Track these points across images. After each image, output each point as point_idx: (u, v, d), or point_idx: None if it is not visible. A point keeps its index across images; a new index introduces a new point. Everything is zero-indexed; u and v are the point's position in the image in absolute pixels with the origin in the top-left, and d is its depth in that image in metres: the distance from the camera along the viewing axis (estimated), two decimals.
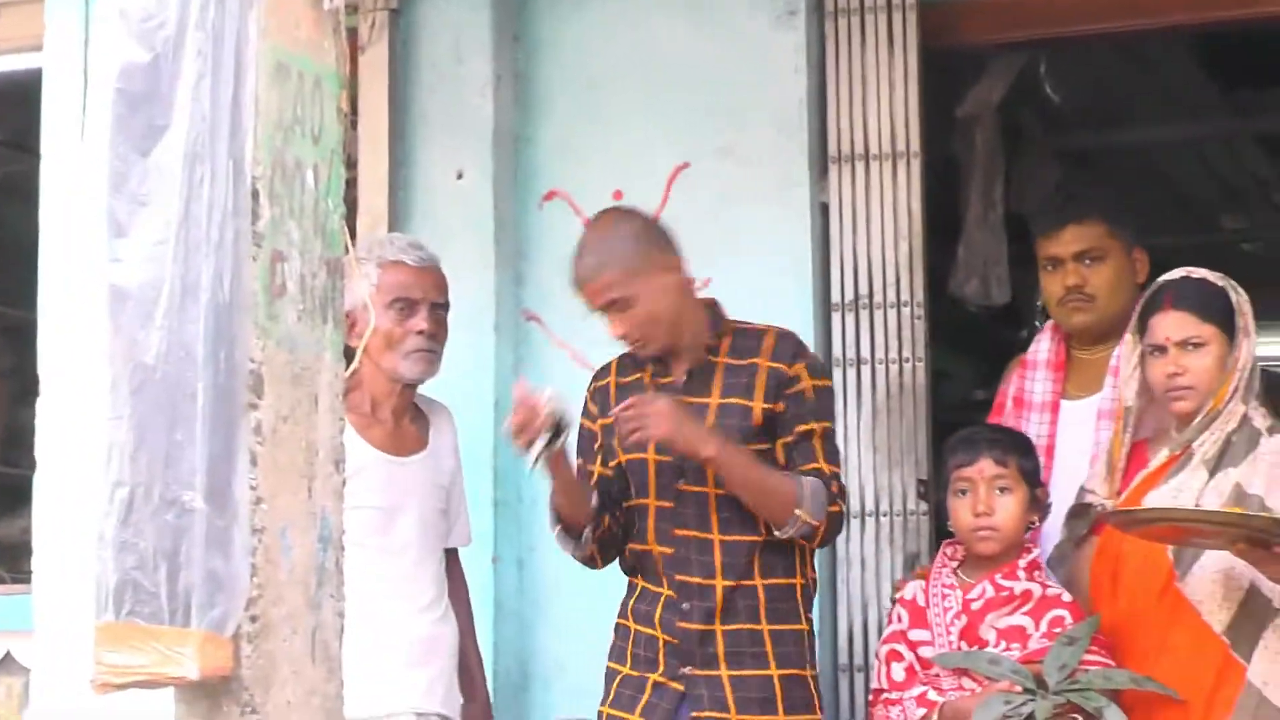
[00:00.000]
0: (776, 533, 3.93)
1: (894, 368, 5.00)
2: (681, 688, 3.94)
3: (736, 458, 3.90)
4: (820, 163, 5.18)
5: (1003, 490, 4.01)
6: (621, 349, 4.10)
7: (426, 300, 4.17)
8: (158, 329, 2.37)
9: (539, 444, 3.84)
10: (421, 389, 4.30)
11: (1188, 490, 3.88)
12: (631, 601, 4.05)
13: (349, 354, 3.24)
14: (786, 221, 5.15)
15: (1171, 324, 3.92)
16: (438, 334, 4.19)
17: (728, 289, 5.19)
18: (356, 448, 3.90)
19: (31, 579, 5.37)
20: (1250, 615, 3.81)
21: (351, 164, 5.11)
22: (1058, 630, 3.91)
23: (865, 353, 5.08)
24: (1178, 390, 3.91)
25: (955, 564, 4.07)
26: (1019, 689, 3.79)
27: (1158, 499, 3.89)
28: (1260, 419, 3.94)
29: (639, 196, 5.27)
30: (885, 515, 4.92)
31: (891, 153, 5.09)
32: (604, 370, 4.18)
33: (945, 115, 5.98)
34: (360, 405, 4.11)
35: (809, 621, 4.05)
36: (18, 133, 6.46)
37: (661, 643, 3.97)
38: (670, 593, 3.98)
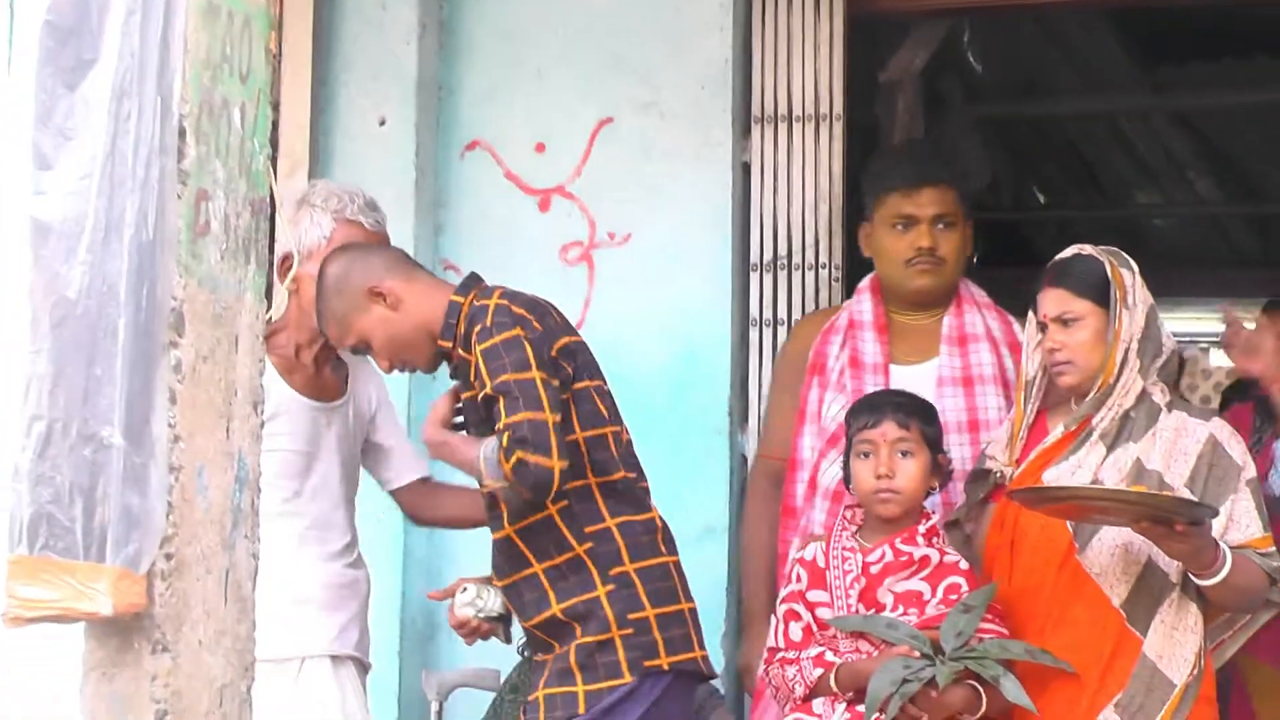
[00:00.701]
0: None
1: None
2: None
3: (438, 443, 3.87)
4: (743, 122, 5.22)
5: (905, 454, 4.04)
6: None
7: None
8: (80, 264, 2.37)
9: (498, 635, 3.99)
10: None
11: (1087, 465, 3.94)
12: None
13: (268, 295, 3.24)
14: (708, 180, 5.18)
15: (1049, 301, 3.98)
16: None
17: (648, 247, 5.24)
18: (277, 390, 3.89)
19: None
20: (1147, 589, 3.87)
21: (274, 106, 5.08)
22: (954, 597, 3.95)
23: (783, 313, 5.13)
24: (1058, 365, 3.97)
25: (855, 527, 4.11)
26: (917, 654, 3.83)
27: (1057, 473, 3.94)
28: (1160, 395, 3.99)
29: (561, 150, 5.30)
30: None
31: (815, 115, 5.13)
32: None
33: (869, 79, 6.02)
34: (284, 348, 4.09)
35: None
36: None
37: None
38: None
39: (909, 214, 4.49)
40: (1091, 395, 3.96)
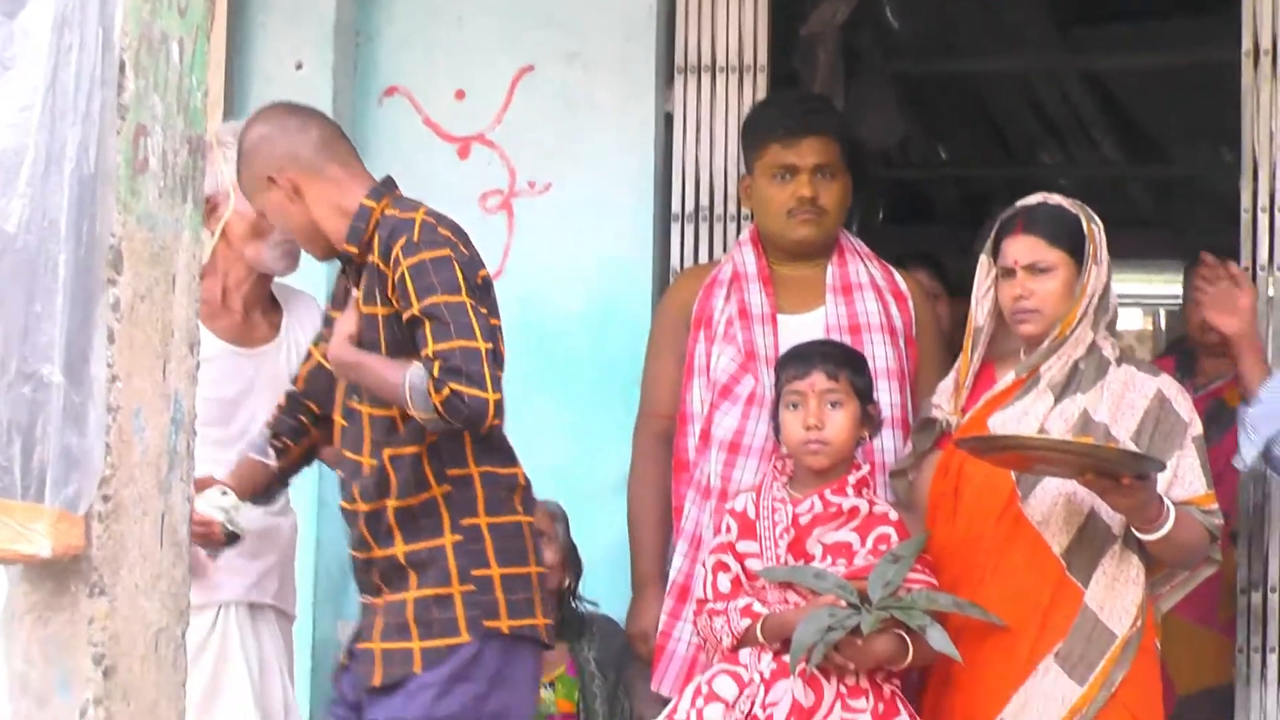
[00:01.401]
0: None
1: None
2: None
3: (352, 363, 3.69)
4: (666, 72, 5.20)
5: (834, 405, 4.03)
6: None
7: None
8: (19, 197, 2.31)
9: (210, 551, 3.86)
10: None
11: (1033, 414, 3.95)
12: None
13: None
14: (630, 130, 5.16)
15: (1021, 248, 3.97)
16: None
17: (568, 196, 5.21)
18: (201, 337, 3.83)
19: None
20: (1089, 540, 3.89)
21: None
22: (883, 548, 3.95)
23: (704, 253, 5.12)
24: (1023, 313, 3.96)
25: (785, 478, 4.10)
26: (844, 604, 3.83)
27: (1003, 420, 3.95)
28: (1110, 349, 4.00)
29: (481, 98, 5.26)
30: None
31: (739, 66, 5.11)
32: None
33: (791, 31, 6.01)
34: (210, 293, 3.99)
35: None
36: None
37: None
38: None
39: (790, 163, 4.46)
40: (1045, 344, 3.97)
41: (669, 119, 5.17)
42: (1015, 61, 8.40)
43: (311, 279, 4.42)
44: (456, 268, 3.59)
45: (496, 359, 3.58)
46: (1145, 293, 11.57)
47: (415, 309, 3.56)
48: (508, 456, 3.78)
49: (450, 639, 3.63)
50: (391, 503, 3.68)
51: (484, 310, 3.61)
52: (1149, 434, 3.90)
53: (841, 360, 4.09)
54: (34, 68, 2.35)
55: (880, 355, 4.37)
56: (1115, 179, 10.55)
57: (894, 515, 4.03)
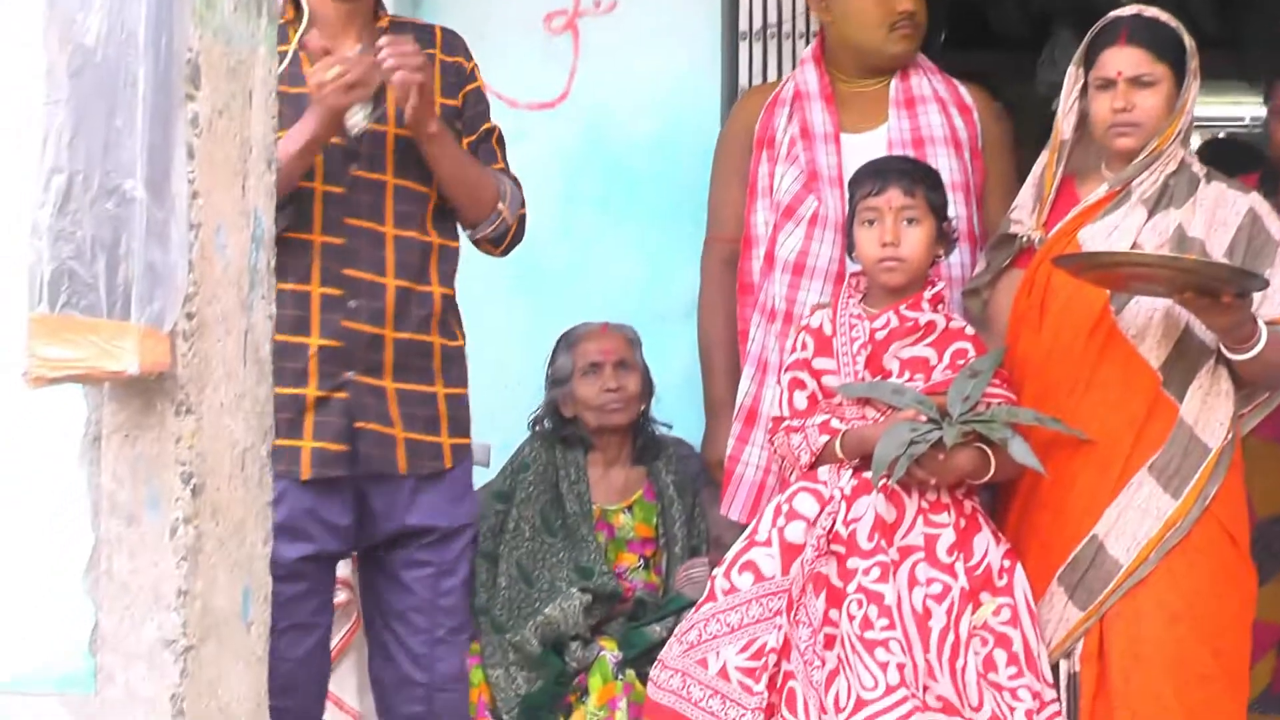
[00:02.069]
0: (469, 232, 3.83)
1: None
2: (346, 395, 3.74)
3: (438, 134, 3.70)
4: None
5: (910, 221, 3.98)
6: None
7: None
8: (97, 10, 2.26)
9: (366, 109, 3.65)
10: None
11: (1124, 228, 3.89)
12: None
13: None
14: None
15: (1125, 59, 3.88)
16: None
17: (634, 15, 5.14)
18: None
19: None
20: (1184, 354, 3.84)
21: None
22: (960, 363, 3.92)
23: (772, 73, 5.05)
24: (1124, 126, 3.89)
25: (860, 295, 4.06)
26: (923, 418, 3.81)
27: (1093, 234, 3.89)
28: (1197, 166, 3.94)
29: None
30: None
31: None
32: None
33: None
34: None
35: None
36: None
37: (315, 349, 3.73)
38: (332, 290, 3.75)
39: None
40: (1140, 158, 3.90)
41: None
42: None
43: None
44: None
45: None
46: (1206, 115, 11.39)
47: (490, 121, 3.67)
48: None
49: (466, 439, 3.82)
50: (440, 290, 3.76)
51: None
52: (1241, 251, 3.85)
53: (918, 176, 4.04)
54: None
55: (945, 168, 4.31)
56: None
57: (970, 330, 4.00)
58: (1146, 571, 3.81)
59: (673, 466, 4.67)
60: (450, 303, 3.85)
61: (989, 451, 3.81)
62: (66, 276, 2.28)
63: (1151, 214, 3.89)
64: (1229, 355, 3.78)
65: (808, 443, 3.92)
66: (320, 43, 3.65)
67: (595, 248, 5.17)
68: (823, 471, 3.90)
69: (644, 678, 4.02)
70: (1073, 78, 3.99)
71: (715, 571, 3.92)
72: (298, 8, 3.67)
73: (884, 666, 3.72)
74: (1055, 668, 3.87)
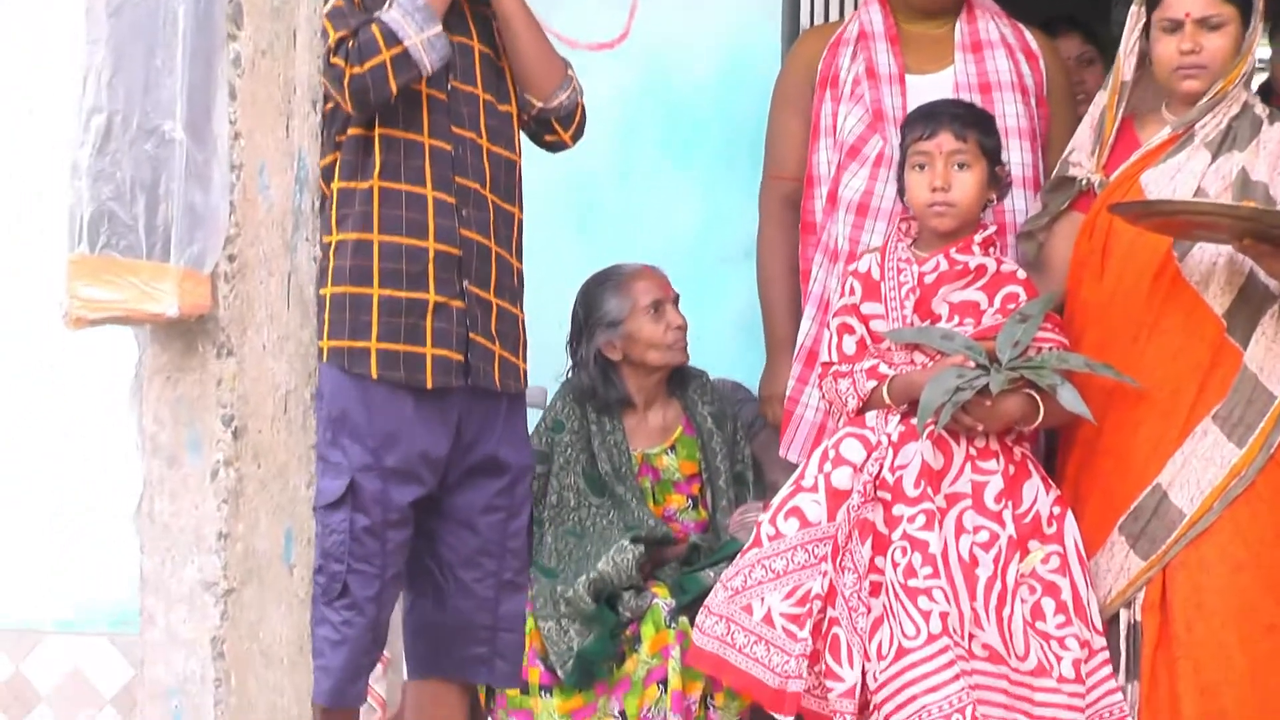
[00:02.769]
0: (540, 104, 3.80)
1: None
2: (462, 304, 3.74)
3: (521, 11, 3.76)
4: None
5: (961, 166, 3.94)
6: None
7: None
8: None
9: None
10: None
11: (1187, 171, 3.84)
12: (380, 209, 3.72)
13: None
14: None
15: (1194, 0, 3.82)
16: None
17: None
18: None
19: None
20: (1248, 300, 3.80)
21: None
22: (1011, 307, 3.88)
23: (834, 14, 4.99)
24: (1191, 68, 3.84)
25: (910, 239, 4.02)
26: (972, 364, 3.78)
27: (1155, 178, 3.84)
28: (1260, 107, 3.89)
29: None
30: None
31: None
32: None
33: None
34: None
35: None
36: None
37: (433, 254, 3.73)
38: (444, 196, 3.75)
39: None
40: (1204, 100, 3.85)
41: None
42: None
43: None
44: None
45: None
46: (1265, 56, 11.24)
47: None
48: None
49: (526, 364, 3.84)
50: (519, 213, 3.81)
51: None
52: None
53: (970, 120, 3.99)
54: None
55: (1010, 114, 4.26)
56: None
57: (1022, 274, 3.96)
58: (1210, 521, 3.77)
59: (706, 396, 4.60)
60: (522, 227, 3.87)
61: (1037, 398, 3.76)
62: (106, 218, 2.28)
63: (1215, 157, 3.84)
64: None
65: (855, 388, 3.90)
66: None
67: (655, 189, 5.14)
68: (870, 417, 3.87)
69: None
70: (1134, 17, 3.93)
71: (761, 517, 3.90)
72: None
73: (926, 615, 3.70)
74: (1115, 617, 3.84)
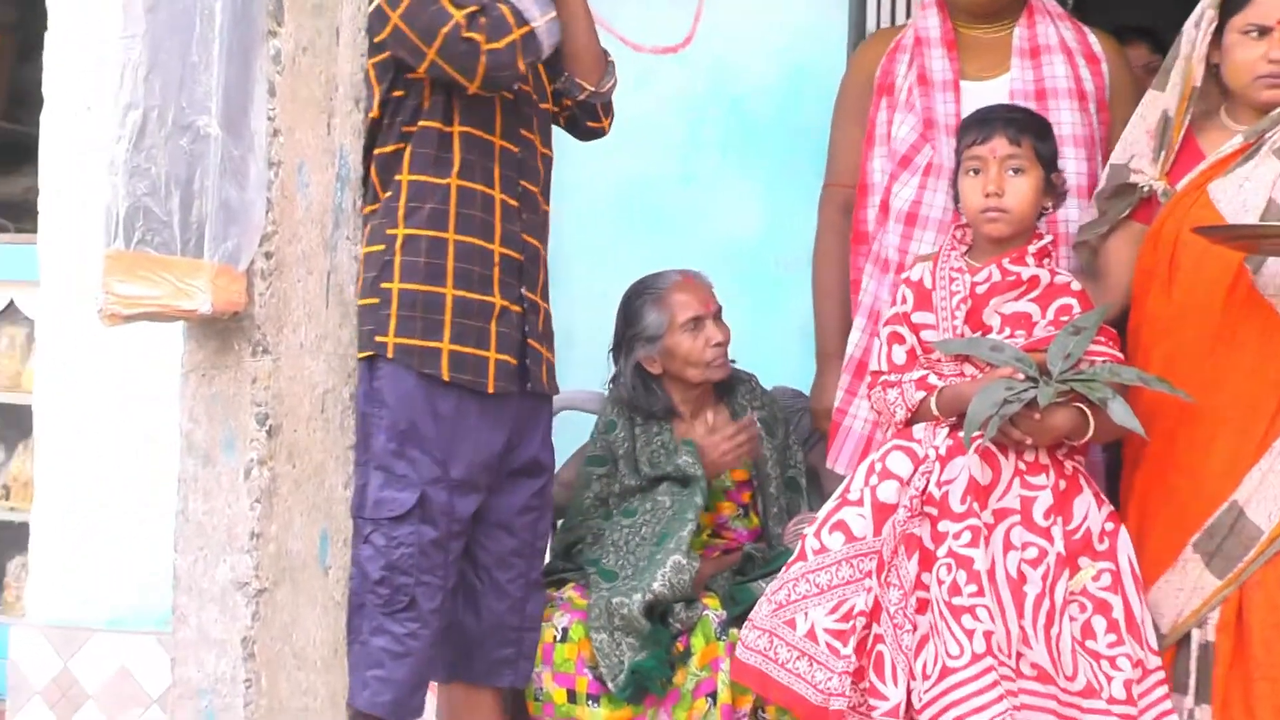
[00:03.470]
0: (590, 88, 3.84)
1: None
2: (520, 309, 3.78)
3: None
4: None
5: (1016, 171, 3.89)
6: None
7: None
8: None
9: None
10: None
11: (1256, 180, 3.75)
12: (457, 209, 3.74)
13: None
14: None
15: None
16: None
17: None
18: None
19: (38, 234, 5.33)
20: None
21: None
22: (1065, 319, 3.83)
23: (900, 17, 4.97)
24: (1273, 77, 3.77)
25: (964, 248, 3.97)
26: (1021, 376, 3.72)
27: (1223, 187, 3.76)
28: None
29: None
30: None
31: None
32: None
33: None
34: None
35: None
36: None
37: (498, 257, 3.76)
38: (509, 199, 3.79)
39: None
40: (1278, 110, 3.77)
41: None
42: None
43: None
44: None
45: None
46: None
47: None
48: None
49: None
50: (547, 206, 3.84)
51: None
52: None
53: (1025, 125, 3.94)
54: None
55: (1068, 121, 4.20)
56: None
57: (1076, 286, 3.90)
58: None
59: (756, 401, 4.53)
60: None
61: (1088, 412, 3.71)
62: (141, 213, 2.27)
63: None
64: None
65: (903, 399, 3.85)
66: None
67: (717, 194, 5.12)
68: (918, 429, 3.82)
69: None
70: (1208, 20, 3.86)
71: (806, 530, 3.85)
72: None
73: (970, 634, 3.64)
74: (1185, 638, 3.78)
